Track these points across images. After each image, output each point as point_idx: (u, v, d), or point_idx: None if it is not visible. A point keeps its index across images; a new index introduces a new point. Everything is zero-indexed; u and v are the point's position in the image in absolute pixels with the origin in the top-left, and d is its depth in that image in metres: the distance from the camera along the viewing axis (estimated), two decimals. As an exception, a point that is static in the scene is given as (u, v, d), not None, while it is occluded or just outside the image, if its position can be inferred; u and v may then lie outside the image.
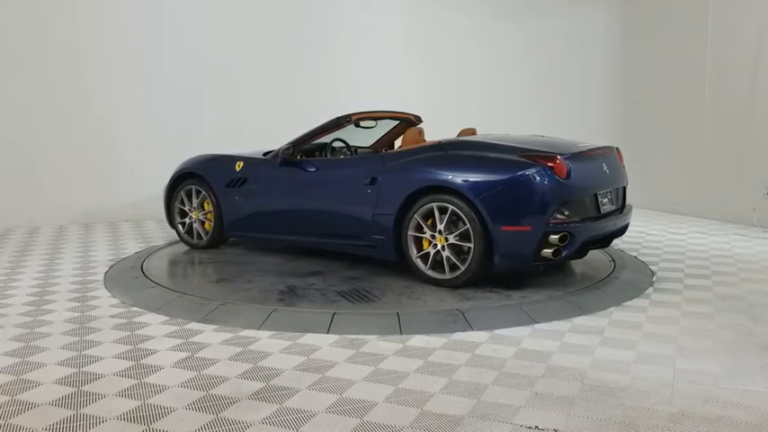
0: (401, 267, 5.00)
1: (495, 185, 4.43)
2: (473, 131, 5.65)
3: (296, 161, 5.48)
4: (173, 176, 6.16)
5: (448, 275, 4.61)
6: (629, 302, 4.44)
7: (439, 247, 4.63)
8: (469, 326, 3.91)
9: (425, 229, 4.68)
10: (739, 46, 7.54)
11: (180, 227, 6.18)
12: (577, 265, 5.30)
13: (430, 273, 4.70)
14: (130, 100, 7.86)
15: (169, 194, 6.20)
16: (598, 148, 4.98)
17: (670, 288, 4.81)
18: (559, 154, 4.48)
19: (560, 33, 9.45)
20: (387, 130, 6.36)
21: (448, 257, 4.59)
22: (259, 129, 7.97)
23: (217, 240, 6.02)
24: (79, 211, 7.79)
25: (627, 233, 6.87)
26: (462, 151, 4.75)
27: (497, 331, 3.85)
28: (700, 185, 8.11)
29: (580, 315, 4.15)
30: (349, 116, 5.50)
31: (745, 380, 3.13)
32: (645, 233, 7.05)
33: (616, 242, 6.37)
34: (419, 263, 4.75)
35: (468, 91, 9.08)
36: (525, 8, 9.36)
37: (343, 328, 3.90)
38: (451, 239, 4.57)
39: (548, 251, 4.37)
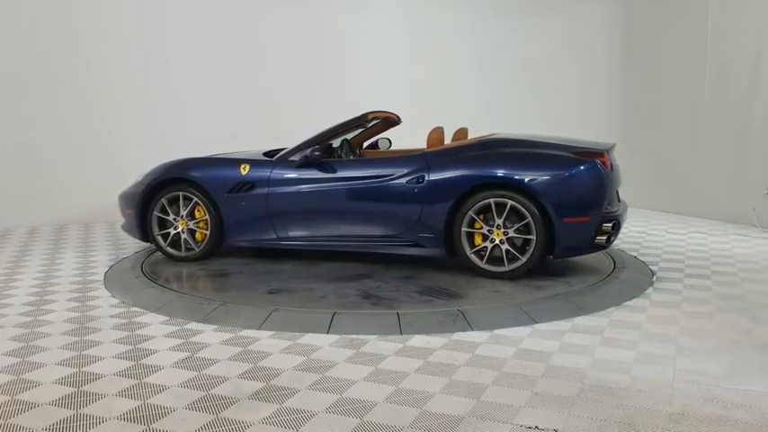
0: (445, 263, 5.19)
1: (559, 180, 4.72)
2: (465, 132, 5.70)
3: (320, 162, 5.27)
4: (150, 183, 5.53)
5: (507, 268, 4.80)
6: (629, 302, 4.45)
7: (497, 241, 4.78)
8: (469, 326, 3.91)
9: (481, 224, 4.82)
10: (739, 46, 7.54)
11: (160, 238, 5.57)
12: (577, 265, 5.31)
13: (487, 267, 4.85)
14: (131, 100, 7.87)
15: (144, 203, 5.55)
16: (614, 146, 5.28)
17: (670, 288, 4.81)
18: (604, 150, 4.91)
19: (560, 33, 9.45)
20: (360, 130, 6.27)
21: (508, 251, 4.79)
22: (258, 129, 7.97)
23: (211, 251, 5.54)
24: (79, 211, 7.79)
25: (627, 233, 6.95)
26: (507, 149, 4.96)
27: (497, 331, 3.85)
28: (700, 185, 8.11)
29: (580, 315, 4.15)
30: (366, 115, 5.47)
31: (745, 380, 3.13)
32: (645, 233, 7.05)
33: (616, 242, 6.38)
34: (474, 258, 4.86)
35: (468, 91, 9.09)
36: (525, 8, 9.36)
37: (343, 328, 3.90)
38: (511, 233, 4.77)
39: (601, 238, 4.79)
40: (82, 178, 7.71)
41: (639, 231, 7.15)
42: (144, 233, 5.63)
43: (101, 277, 5.21)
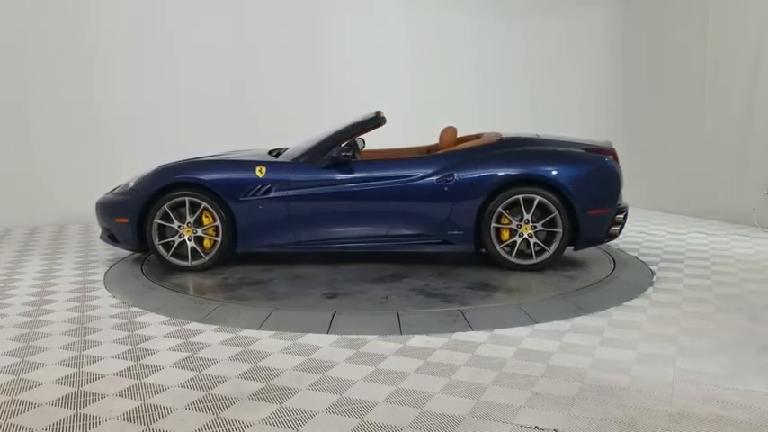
0: (466, 259, 5.41)
1: (582, 175, 5.06)
2: (455, 131, 5.74)
3: (346, 162, 5.16)
4: (152, 188, 5.13)
5: (535, 260, 5.06)
6: (629, 302, 4.45)
7: (525, 235, 5.03)
8: (469, 326, 3.91)
9: (509, 219, 5.04)
10: (739, 46, 7.54)
11: (162, 248, 5.18)
12: (577, 265, 5.31)
13: (515, 260, 5.08)
14: (131, 100, 7.87)
15: (144, 210, 5.15)
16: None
17: (670, 288, 4.81)
18: (611, 146, 5.37)
19: (560, 33, 9.45)
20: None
21: (536, 244, 5.05)
22: (258, 129, 7.97)
23: (220, 259, 5.22)
24: (79, 211, 7.79)
25: (627, 233, 6.95)
26: (526, 147, 5.21)
27: (497, 331, 3.85)
28: (700, 185, 8.11)
29: (580, 315, 4.15)
30: (379, 114, 5.42)
31: (745, 380, 3.13)
32: (645, 233, 7.05)
33: (616, 242, 6.39)
34: (503, 252, 5.07)
35: (467, 91, 9.08)
36: (525, 8, 9.36)
37: (343, 328, 3.90)
38: (539, 227, 5.03)
39: (615, 228, 5.18)
40: (82, 178, 7.71)
41: (639, 231, 7.14)
42: (142, 243, 5.25)
43: (101, 277, 5.21)
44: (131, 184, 5.33)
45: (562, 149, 5.21)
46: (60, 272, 5.42)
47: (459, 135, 5.78)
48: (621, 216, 5.19)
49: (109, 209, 5.40)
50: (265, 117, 8.15)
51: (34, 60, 7.45)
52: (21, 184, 7.51)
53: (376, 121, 5.35)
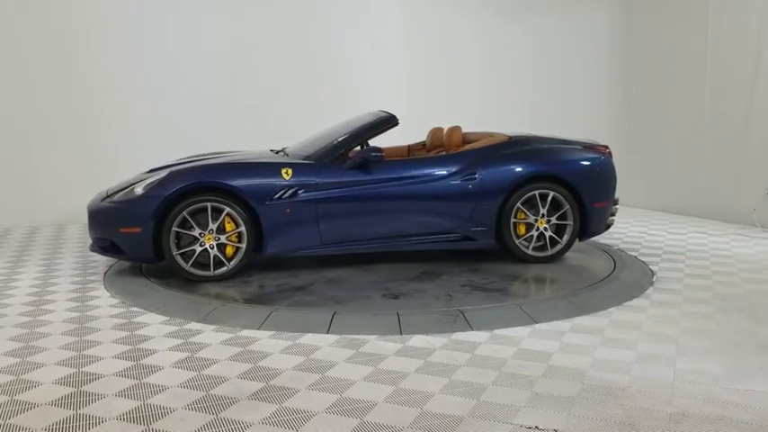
0: (480, 254, 5.61)
1: (590, 170, 5.42)
2: (459, 129, 5.87)
3: (371, 163, 5.11)
4: (168, 194, 4.75)
5: (550, 252, 5.36)
6: (629, 302, 4.44)
7: (541, 228, 5.31)
8: (469, 326, 3.91)
9: (526, 214, 5.30)
10: (739, 46, 7.53)
11: (180, 258, 4.82)
12: (577, 265, 5.31)
13: (533, 253, 5.35)
14: (132, 101, 7.86)
15: (160, 217, 4.77)
16: None
17: (670, 288, 4.81)
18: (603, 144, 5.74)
19: (560, 33, 9.44)
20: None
21: (551, 237, 5.35)
22: (258, 129, 7.96)
23: (243, 267, 4.98)
24: (79, 211, 7.77)
25: (627, 233, 6.96)
26: (534, 146, 5.47)
27: (497, 331, 3.85)
28: (700, 185, 8.11)
29: (580, 315, 4.14)
30: (392, 115, 5.43)
31: (745, 380, 3.13)
32: (645, 233, 7.05)
33: (616, 242, 6.39)
34: (522, 246, 5.33)
35: (467, 91, 9.08)
36: (525, 8, 9.35)
37: (343, 328, 3.90)
38: (554, 220, 5.33)
39: (612, 219, 5.61)
40: (82, 178, 7.70)
41: (639, 231, 7.14)
42: (157, 253, 4.84)
43: (101, 277, 5.21)
44: (139, 190, 4.88)
45: (568, 147, 5.51)
46: (60, 272, 5.41)
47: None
48: (616, 207, 5.65)
49: (112, 217, 4.95)
50: (265, 117, 8.14)
51: (34, 60, 7.45)
52: (21, 184, 7.50)
53: (392, 121, 5.37)
